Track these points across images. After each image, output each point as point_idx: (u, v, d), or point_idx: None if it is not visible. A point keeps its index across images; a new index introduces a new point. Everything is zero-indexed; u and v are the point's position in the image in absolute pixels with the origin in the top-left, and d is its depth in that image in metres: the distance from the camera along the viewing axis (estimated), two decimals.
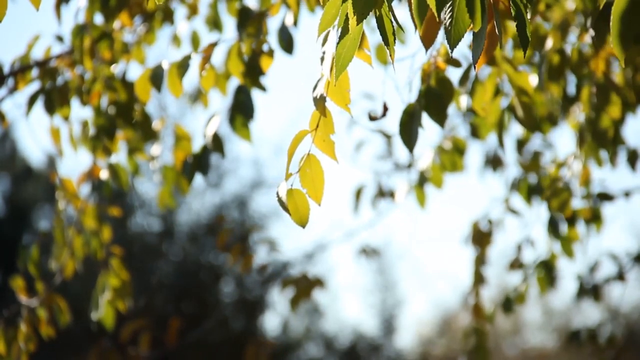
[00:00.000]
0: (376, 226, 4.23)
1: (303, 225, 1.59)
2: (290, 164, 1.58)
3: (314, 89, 1.60)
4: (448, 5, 1.36)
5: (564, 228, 3.10)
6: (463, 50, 4.66)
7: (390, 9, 1.45)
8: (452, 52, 1.38)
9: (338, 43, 1.46)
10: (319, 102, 1.58)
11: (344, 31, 1.44)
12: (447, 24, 1.37)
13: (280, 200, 1.58)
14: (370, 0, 1.39)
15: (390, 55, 1.47)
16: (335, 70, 1.48)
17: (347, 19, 1.43)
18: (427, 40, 1.67)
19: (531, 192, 3.26)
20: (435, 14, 1.36)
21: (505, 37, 2.51)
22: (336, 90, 1.57)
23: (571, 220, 2.99)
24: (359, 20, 1.39)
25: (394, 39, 1.46)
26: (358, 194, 4.04)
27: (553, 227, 3.04)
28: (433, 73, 2.02)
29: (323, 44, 1.63)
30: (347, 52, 1.47)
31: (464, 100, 2.54)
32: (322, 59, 1.61)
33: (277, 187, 1.59)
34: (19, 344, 3.03)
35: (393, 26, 1.46)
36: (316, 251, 11.63)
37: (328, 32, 1.61)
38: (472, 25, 1.37)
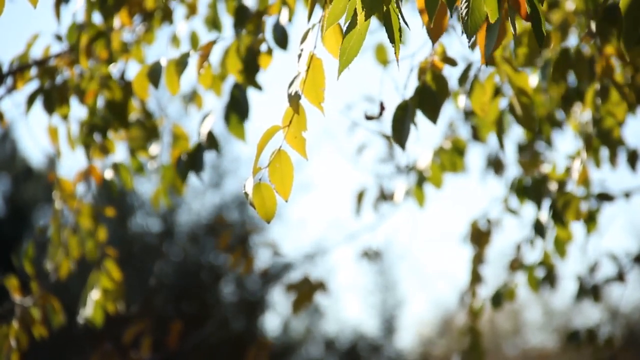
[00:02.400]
0: (378, 229, 4.23)
1: (268, 220, 1.58)
2: (261, 159, 1.58)
3: (290, 85, 1.60)
4: None
5: (551, 229, 3.10)
6: (462, 50, 4.65)
7: (398, 6, 1.45)
8: (469, 42, 1.37)
9: (344, 37, 1.45)
10: (293, 100, 1.57)
11: (351, 26, 1.44)
12: (464, 14, 1.36)
13: (246, 194, 1.58)
14: None
15: (396, 54, 1.46)
16: (339, 66, 1.48)
17: (354, 14, 1.43)
18: (435, 34, 1.65)
19: (525, 192, 3.26)
20: (446, 4, 1.35)
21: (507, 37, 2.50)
22: (312, 87, 1.57)
23: (559, 219, 2.98)
24: (368, 16, 1.39)
25: (400, 36, 1.46)
26: (360, 197, 4.04)
27: (539, 229, 3.04)
28: (429, 71, 2.02)
29: (301, 42, 1.62)
30: (353, 46, 1.47)
31: (462, 101, 2.54)
32: (300, 56, 1.60)
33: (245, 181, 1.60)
34: (10, 342, 3.02)
35: (400, 24, 1.45)
36: (318, 254, 11.63)
37: (308, 31, 1.61)
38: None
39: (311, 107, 1.59)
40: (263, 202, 1.58)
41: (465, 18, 1.35)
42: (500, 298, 3.78)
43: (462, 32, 1.39)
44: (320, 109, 1.58)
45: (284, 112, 1.59)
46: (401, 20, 1.45)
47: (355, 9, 1.42)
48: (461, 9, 1.36)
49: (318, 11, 1.74)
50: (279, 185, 1.58)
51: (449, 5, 1.36)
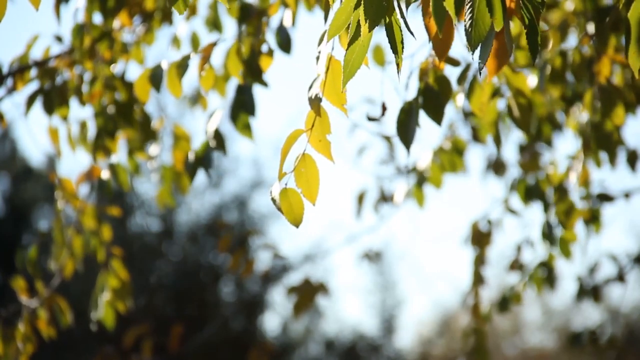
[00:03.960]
0: (378, 230, 4.23)
1: (297, 225, 1.58)
2: (285, 164, 1.58)
3: (310, 88, 1.59)
4: (468, 6, 1.35)
5: (559, 232, 3.09)
6: (460, 49, 4.64)
7: (402, 16, 1.44)
8: (472, 54, 1.37)
9: (347, 49, 1.45)
10: (315, 102, 1.57)
11: (354, 37, 1.44)
12: (467, 25, 1.36)
13: (273, 200, 1.57)
14: (382, 7, 1.38)
15: (398, 65, 1.46)
16: (343, 77, 1.47)
17: (358, 25, 1.43)
18: (442, 49, 1.64)
19: (529, 193, 3.26)
20: (453, 17, 1.35)
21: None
22: (332, 90, 1.57)
23: (564, 222, 2.99)
24: (371, 27, 1.39)
25: (403, 47, 1.46)
26: (360, 198, 4.04)
27: (548, 232, 3.04)
28: (431, 71, 2.02)
29: (319, 44, 1.62)
30: (356, 58, 1.46)
31: (461, 100, 2.54)
32: (318, 58, 1.60)
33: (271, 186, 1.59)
34: (17, 345, 3.02)
35: (402, 34, 1.45)
36: (318, 255, 11.62)
37: (324, 32, 1.61)
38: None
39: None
40: (291, 207, 1.57)
41: (470, 29, 1.35)
42: (506, 302, 3.77)
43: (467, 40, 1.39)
44: (343, 110, 1.57)
45: (306, 115, 1.59)
46: (405, 31, 1.44)
47: (359, 20, 1.42)
48: (465, 20, 1.36)
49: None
50: (306, 190, 1.57)
51: (457, 11, 1.36)
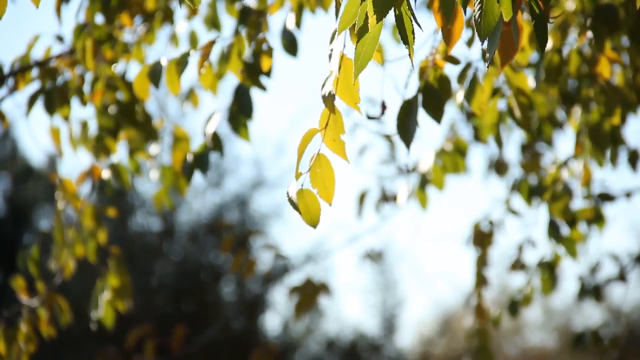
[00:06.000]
0: (380, 230, 4.22)
1: (314, 226, 1.58)
2: (300, 163, 1.57)
3: (323, 86, 1.58)
4: None
5: (564, 230, 3.08)
6: (462, 49, 4.64)
7: (410, 8, 1.44)
8: (482, 44, 1.37)
9: (357, 42, 1.45)
10: (328, 100, 1.56)
11: (363, 30, 1.43)
12: (477, 16, 1.36)
13: (290, 200, 1.57)
14: None
15: (410, 55, 1.46)
16: (354, 70, 1.47)
17: (366, 17, 1.43)
18: (452, 38, 1.63)
19: (532, 193, 3.25)
20: (460, 8, 1.35)
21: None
22: (345, 88, 1.56)
23: (572, 222, 2.98)
24: (379, 19, 1.39)
25: (414, 37, 1.45)
26: (362, 198, 4.04)
27: (553, 230, 3.03)
28: (431, 70, 2.02)
29: (331, 42, 1.62)
30: (367, 50, 1.46)
31: (459, 97, 2.54)
32: (330, 56, 1.59)
33: (286, 186, 1.58)
34: (19, 344, 3.02)
35: (412, 25, 1.45)
36: (320, 256, 11.61)
37: (335, 30, 1.60)
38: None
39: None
40: (307, 208, 1.57)
41: (479, 20, 1.35)
42: (516, 306, 3.76)
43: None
44: (357, 109, 1.57)
45: (320, 114, 1.58)
46: (414, 22, 1.44)
47: (367, 12, 1.41)
48: (474, 10, 1.36)
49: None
50: (322, 190, 1.57)
51: (463, 7, 1.36)
